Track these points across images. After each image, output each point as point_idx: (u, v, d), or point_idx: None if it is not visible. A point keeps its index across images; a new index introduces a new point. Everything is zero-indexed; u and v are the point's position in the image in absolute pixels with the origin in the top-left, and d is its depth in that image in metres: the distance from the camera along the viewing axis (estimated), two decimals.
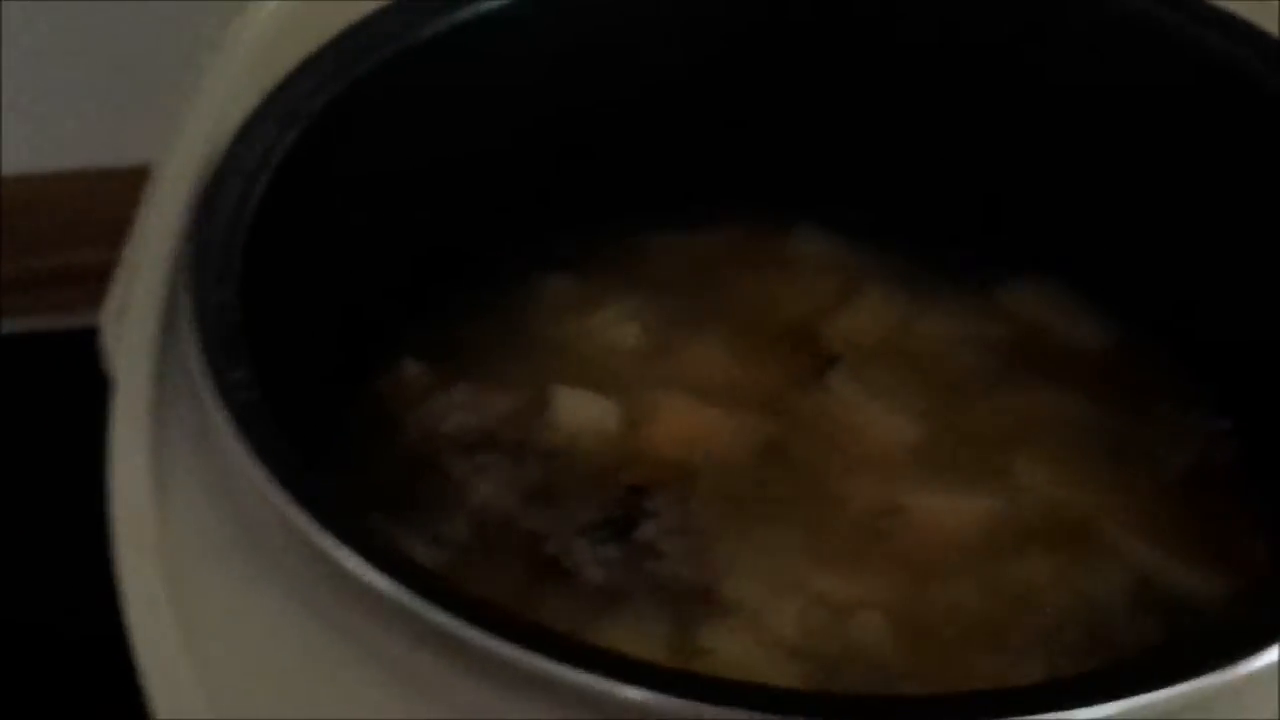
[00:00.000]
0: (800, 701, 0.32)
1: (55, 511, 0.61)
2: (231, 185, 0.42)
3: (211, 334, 0.37)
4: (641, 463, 0.48)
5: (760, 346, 0.53)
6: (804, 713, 0.31)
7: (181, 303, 0.39)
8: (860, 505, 0.47)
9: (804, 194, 0.57)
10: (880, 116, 0.56)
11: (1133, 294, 0.53)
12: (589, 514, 0.47)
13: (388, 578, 0.32)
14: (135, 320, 0.40)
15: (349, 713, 0.32)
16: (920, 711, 0.33)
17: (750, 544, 0.45)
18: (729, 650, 0.43)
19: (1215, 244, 0.51)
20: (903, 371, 0.52)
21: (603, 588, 0.45)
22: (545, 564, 0.45)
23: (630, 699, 0.31)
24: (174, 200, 0.43)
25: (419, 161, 0.50)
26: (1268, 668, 0.32)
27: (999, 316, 0.54)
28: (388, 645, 0.33)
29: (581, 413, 0.50)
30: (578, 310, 0.54)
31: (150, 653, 0.33)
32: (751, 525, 0.46)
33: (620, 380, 0.51)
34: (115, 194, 0.76)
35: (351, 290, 0.49)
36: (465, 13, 0.49)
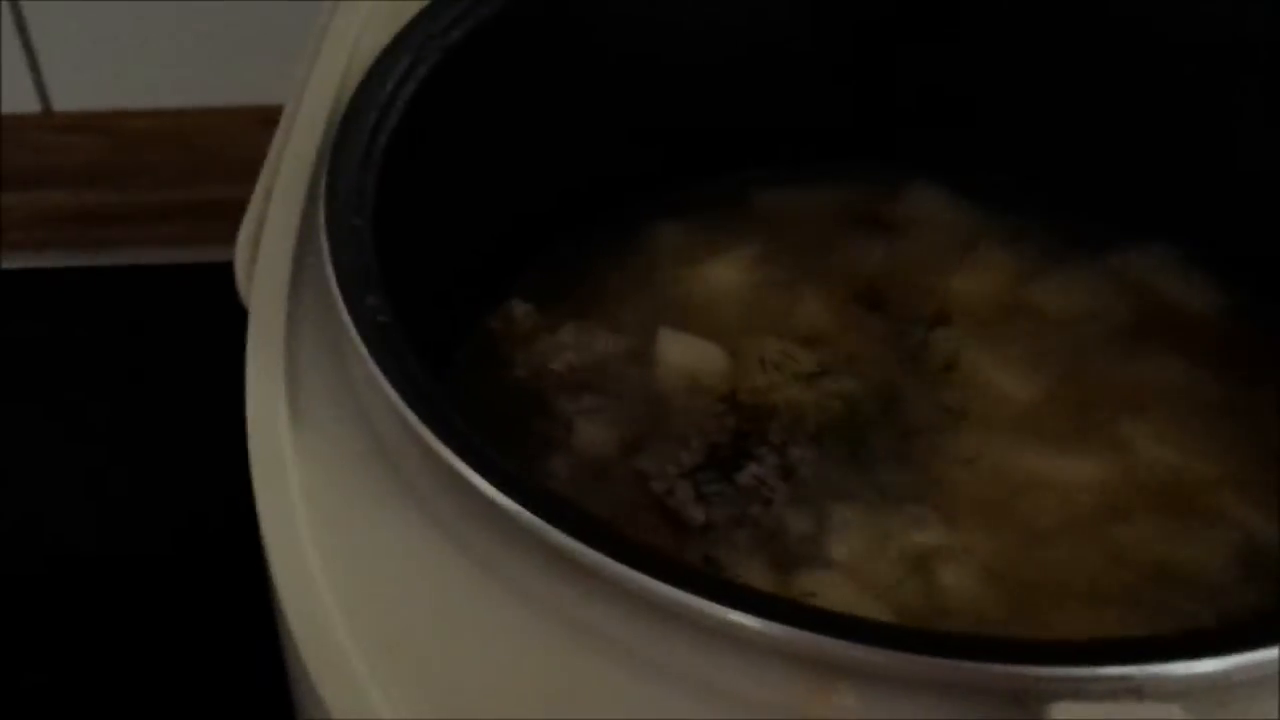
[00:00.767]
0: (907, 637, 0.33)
1: (195, 438, 0.63)
2: (365, 117, 0.43)
3: (345, 259, 0.38)
4: (746, 408, 0.49)
5: (869, 301, 0.53)
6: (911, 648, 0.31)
7: (316, 230, 0.40)
8: (967, 462, 0.47)
9: (919, 154, 0.57)
10: (999, 76, 0.56)
11: (1248, 261, 0.52)
12: (693, 456, 0.47)
13: (515, 499, 0.33)
14: (269, 249, 0.41)
15: (474, 628, 0.33)
16: (1018, 652, 0.33)
17: (854, 493, 0.46)
18: (828, 595, 0.43)
19: None
20: (1015, 333, 0.52)
21: (706, 528, 0.45)
22: (649, 503, 0.46)
23: (748, 626, 0.31)
24: (308, 132, 0.44)
25: (542, 104, 0.51)
26: None
27: (1114, 281, 0.54)
28: (511, 563, 0.34)
29: (688, 356, 0.50)
30: (687, 258, 0.55)
31: (285, 568, 0.34)
32: (856, 474, 0.47)
33: (727, 327, 0.52)
34: (243, 132, 0.79)
35: (468, 228, 0.50)
36: None
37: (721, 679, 0.32)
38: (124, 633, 0.62)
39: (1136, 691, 0.30)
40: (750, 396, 0.49)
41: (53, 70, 0.79)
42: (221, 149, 0.80)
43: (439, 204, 0.47)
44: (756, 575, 0.44)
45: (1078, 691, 0.30)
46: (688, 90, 0.54)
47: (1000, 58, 0.56)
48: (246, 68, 0.77)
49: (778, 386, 0.49)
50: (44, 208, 0.82)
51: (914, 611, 0.43)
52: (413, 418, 0.34)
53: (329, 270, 0.38)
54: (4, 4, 0.76)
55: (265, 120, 0.77)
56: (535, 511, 0.33)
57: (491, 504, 0.33)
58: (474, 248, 0.50)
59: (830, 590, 0.44)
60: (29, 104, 0.80)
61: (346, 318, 0.37)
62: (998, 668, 0.30)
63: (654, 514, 0.46)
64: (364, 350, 0.36)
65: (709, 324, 0.52)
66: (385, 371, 0.35)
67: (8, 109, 0.80)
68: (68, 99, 0.80)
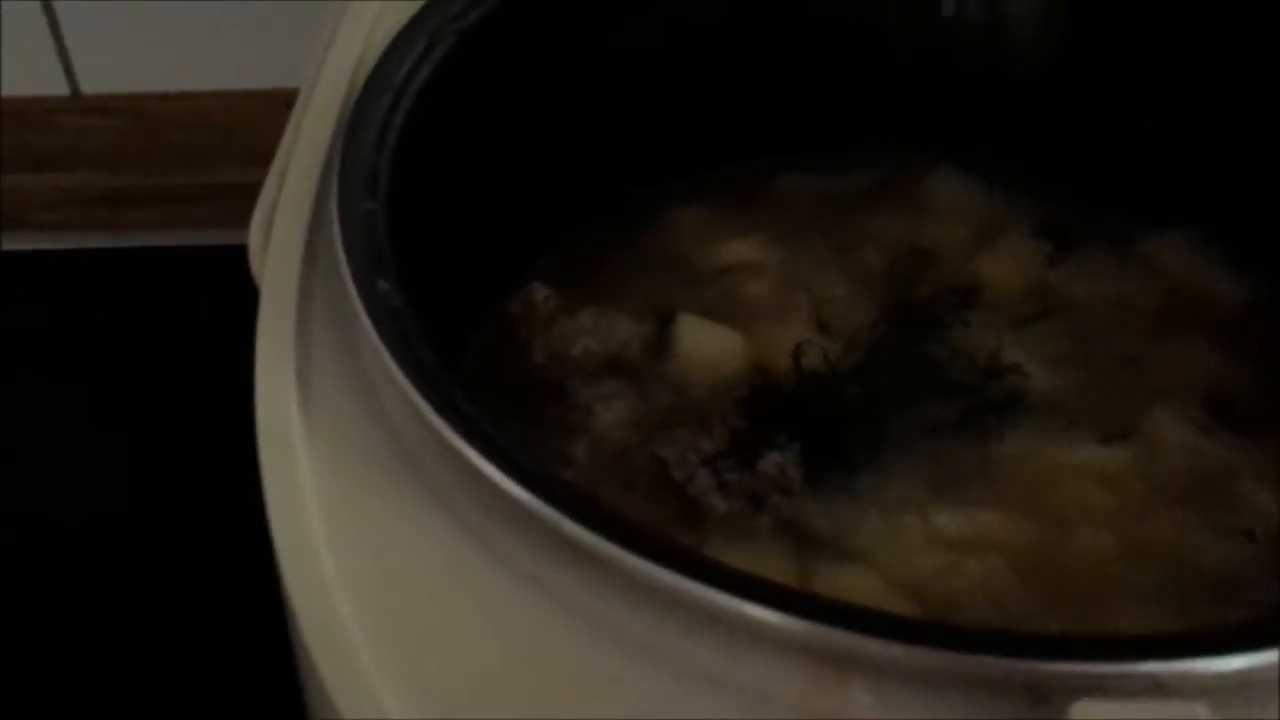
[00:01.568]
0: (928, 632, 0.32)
1: (205, 417, 0.64)
2: (380, 100, 0.42)
3: (358, 243, 0.38)
4: (768, 395, 0.48)
5: (892, 287, 0.52)
6: (932, 642, 0.31)
7: (329, 212, 0.39)
8: (992, 449, 0.46)
9: (943, 138, 0.56)
10: (1025, 59, 0.55)
11: (1273, 250, 0.51)
12: (714, 444, 0.47)
13: (526, 487, 0.33)
14: (282, 229, 0.41)
15: (484, 618, 0.33)
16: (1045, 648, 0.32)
17: (877, 481, 0.45)
18: (851, 585, 0.43)
19: None
20: (1041, 320, 0.51)
21: (726, 517, 0.45)
22: (669, 490, 0.46)
23: (761, 619, 0.31)
24: (323, 114, 0.44)
25: (558, 86, 0.50)
26: None
27: (1139, 269, 0.53)
28: (521, 552, 0.33)
29: (708, 342, 0.50)
30: (707, 242, 0.54)
31: (292, 552, 0.34)
32: (879, 463, 0.46)
33: (749, 313, 0.51)
34: (268, 116, 0.78)
35: (485, 210, 0.50)
36: None
37: (737, 672, 0.31)
38: (130, 617, 0.62)
39: (1160, 689, 0.29)
40: (772, 383, 0.49)
41: (80, 53, 0.79)
42: (246, 132, 0.80)
43: (455, 187, 0.46)
44: (777, 565, 0.43)
45: (1100, 689, 0.29)
46: (707, 72, 0.54)
47: (1027, 43, 0.55)
48: (271, 52, 0.77)
49: (799, 374, 0.49)
50: (69, 189, 0.82)
51: (937, 604, 0.43)
52: (423, 404, 0.34)
53: (340, 254, 0.38)
54: None
55: (289, 104, 0.77)
56: (546, 500, 0.32)
57: (502, 493, 0.33)
58: (491, 231, 0.50)
59: (852, 581, 0.43)
60: (57, 86, 0.80)
61: (357, 302, 0.36)
62: (1017, 663, 0.30)
63: (673, 501, 0.46)
64: (374, 335, 0.35)
65: (730, 310, 0.51)
66: (395, 357, 0.35)
67: (35, 91, 0.80)
68: (95, 81, 0.80)
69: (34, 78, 0.80)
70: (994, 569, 0.43)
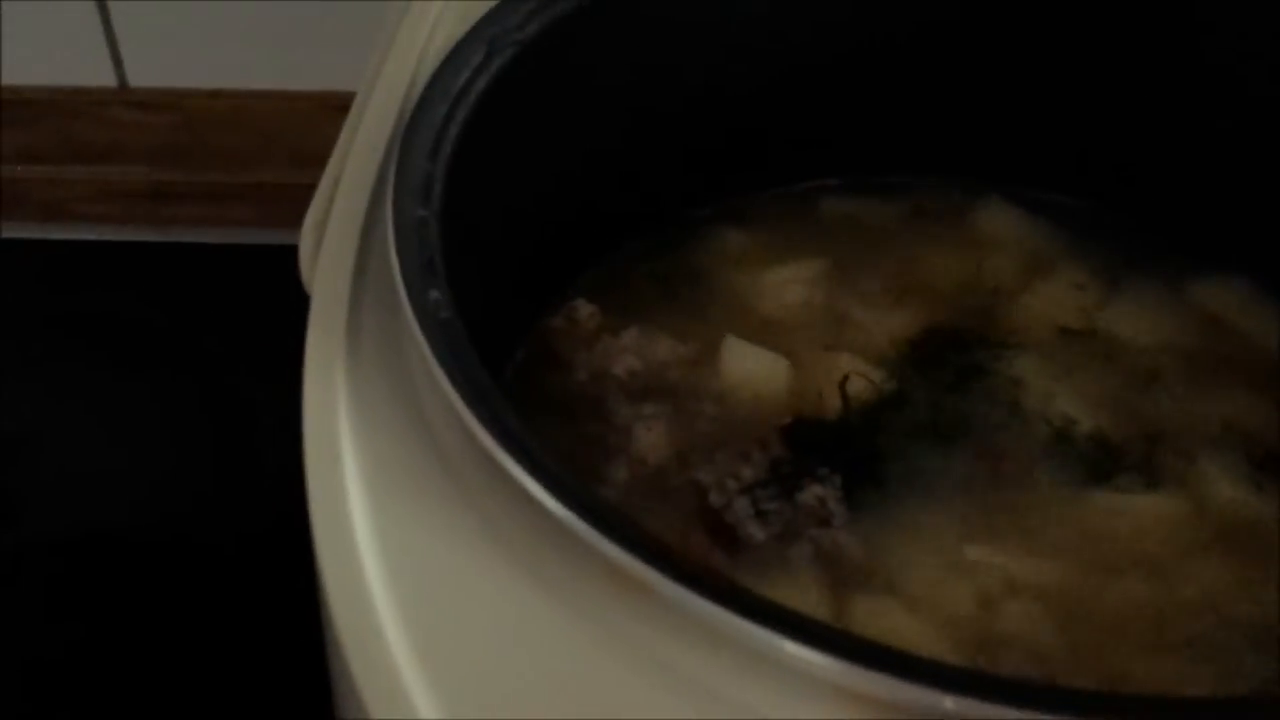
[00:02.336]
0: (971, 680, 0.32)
1: (239, 413, 0.64)
2: (436, 108, 0.42)
3: (410, 252, 0.38)
4: (810, 424, 0.48)
5: (937, 320, 0.52)
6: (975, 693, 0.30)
7: (383, 219, 0.39)
8: (1032, 490, 0.46)
9: (994, 170, 0.56)
10: (1080, 96, 0.54)
11: None
12: (753, 471, 0.46)
13: (570, 507, 0.32)
14: (335, 234, 0.41)
15: (520, 634, 0.32)
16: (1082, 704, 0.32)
17: (916, 518, 0.45)
18: (887, 622, 0.42)
19: None
20: (1084, 358, 0.50)
21: (762, 545, 0.44)
22: (706, 515, 0.45)
23: (798, 656, 0.30)
24: (379, 122, 0.43)
25: (612, 103, 0.50)
26: None
27: (1187, 311, 0.52)
28: (561, 571, 0.33)
29: (751, 367, 0.49)
30: (753, 266, 0.54)
31: (333, 559, 0.34)
32: (918, 499, 0.45)
33: (792, 339, 0.51)
34: (311, 117, 0.79)
35: (534, 224, 0.49)
36: None
37: (770, 706, 0.31)
38: (160, 616, 0.62)
39: None
40: (814, 412, 0.48)
41: (130, 46, 0.80)
42: (290, 133, 0.80)
43: (505, 198, 0.46)
44: (811, 598, 0.43)
45: None
46: (758, 95, 0.53)
47: (1082, 78, 0.54)
48: (317, 53, 0.78)
49: (845, 405, 0.48)
50: (113, 181, 0.83)
51: (972, 644, 0.42)
52: (470, 418, 0.33)
53: (394, 262, 0.37)
54: None
55: (333, 106, 0.78)
56: (590, 522, 0.32)
57: (546, 512, 0.32)
58: (538, 244, 0.50)
59: (887, 618, 0.42)
60: (105, 78, 0.80)
61: (409, 311, 0.36)
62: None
63: (710, 527, 0.45)
64: (425, 346, 0.35)
65: (774, 335, 0.51)
66: (445, 369, 0.34)
67: (84, 82, 0.80)
68: (143, 76, 0.81)
69: (83, 69, 0.80)
70: (1031, 613, 0.43)
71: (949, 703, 0.29)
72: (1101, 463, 0.47)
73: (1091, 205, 0.55)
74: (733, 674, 0.31)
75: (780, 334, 0.51)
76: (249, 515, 0.63)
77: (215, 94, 0.80)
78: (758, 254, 0.55)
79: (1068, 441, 0.47)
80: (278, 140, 0.80)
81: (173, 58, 0.80)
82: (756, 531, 0.44)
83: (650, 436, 0.47)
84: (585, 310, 0.51)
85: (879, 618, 0.42)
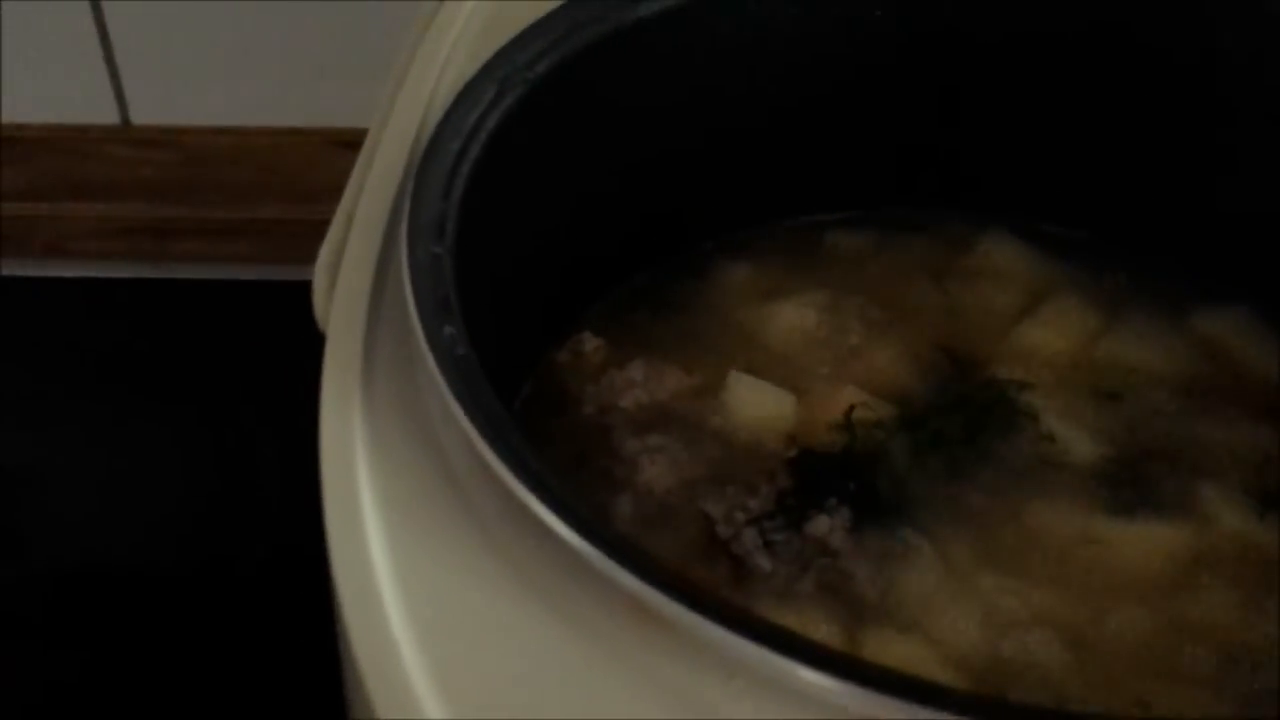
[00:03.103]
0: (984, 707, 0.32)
1: (253, 455, 0.64)
2: (449, 146, 0.43)
3: (425, 288, 0.38)
4: (816, 456, 0.48)
5: (941, 351, 0.52)
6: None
7: (397, 257, 0.40)
8: (1038, 522, 0.46)
9: (996, 201, 0.56)
10: (1082, 126, 0.55)
11: None
12: (760, 502, 0.46)
13: (587, 539, 0.33)
14: (349, 274, 0.41)
15: (536, 664, 0.33)
16: None
17: (924, 551, 0.45)
18: (896, 655, 0.42)
19: None
20: (1087, 388, 0.51)
21: (771, 577, 0.44)
22: (713, 547, 0.46)
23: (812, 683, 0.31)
24: (392, 159, 0.44)
25: (622, 139, 0.51)
26: None
27: (1190, 341, 0.53)
28: (579, 603, 0.33)
29: (757, 401, 0.50)
30: (758, 299, 0.54)
31: (352, 594, 0.34)
32: (926, 531, 0.46)
33: (798, 372, 0.51)
34: (315, 153, 0.79)
35: (543, 259, 0.50)
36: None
37: None
38: (172, 650, 0.62)
39: None
40: (820, 445, 0.49)
41: (133, 83, 0.80)
42: (293, 169, 0.80)
43: (516, 234, 0.47)
44: (820, 629, 0.43)
45: None
46: (764, 130, 0.54)
47: (1084, 110, 0.55)
48: (320, 90, 0.78)
49: (851, 436, 0.49)
50: (115, 218, 0.83)
51: (983, 674, 0.42)
52: (488, 453, 0.34)
53: (409, 298, 0.38)
54: (89, 16, 0.77)
55: (336, 142, 0.78)
56: (607, 553, 0.32)
57: (562, 543, 0.33)
58: (547, 279, 0.50)
59: (897, 647, 0.43)
60: (108, 115, 0.81)
61: (425, 347, 0.36)
62: None
63: (716, 558, 0.45)
64: (441, 381, 0.35)
65: (779, 368, 0.51)
66: (461, 404, 0.35)
67: (87, 119, 0.81)
68: (146, 113, 0.81)
69: (85, 106, 0.80)
70: (1042, 641, 0.43)
71: None
72: (1105, 491, 0.47)
73: (1093, 235, 0.56)
74: (747, 701, 0.32)
75: (785, 366, 0.52)
76: (251, 550, 0.63)
77: (217, 131, 0.80)
78: (762, 287, 0.55)
79: (1072, 470, 0.48)
80: (279, 177, 0.81)
81: (175, 95, 0.80)
82: (764, 562, 0.45)
83: (656, 468, 0.48)
84: (591, 344, 0.52)
85: (889, 646, 0.43)
